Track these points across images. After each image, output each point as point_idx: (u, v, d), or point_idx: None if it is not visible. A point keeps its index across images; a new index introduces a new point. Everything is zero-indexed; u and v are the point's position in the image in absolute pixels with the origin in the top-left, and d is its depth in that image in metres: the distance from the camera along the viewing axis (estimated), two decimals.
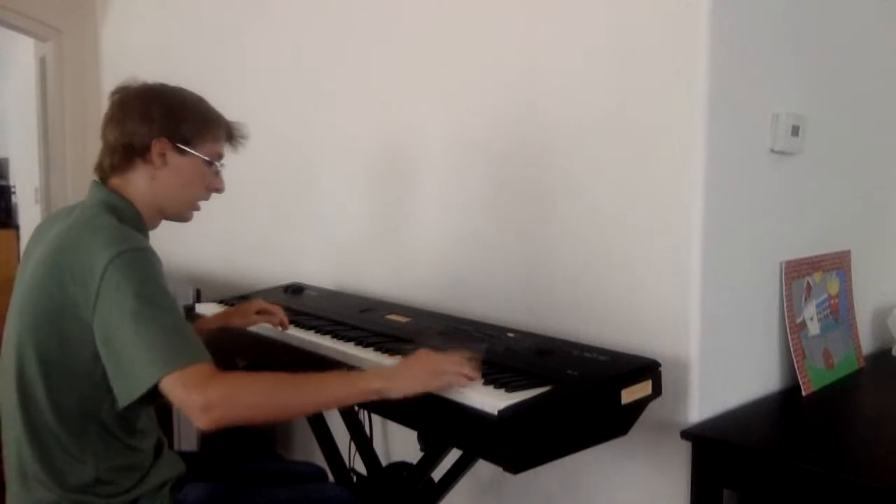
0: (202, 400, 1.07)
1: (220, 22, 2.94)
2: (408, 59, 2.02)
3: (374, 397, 1.19)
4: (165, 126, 1.30)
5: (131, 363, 1.11)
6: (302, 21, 2.44)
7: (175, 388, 1.09)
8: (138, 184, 1.32)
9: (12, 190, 5.89)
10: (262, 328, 1.72)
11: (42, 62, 4.18)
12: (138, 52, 3.61)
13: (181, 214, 1.39)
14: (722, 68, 1.38)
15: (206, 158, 1.36)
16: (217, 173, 1.41)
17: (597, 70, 1.54)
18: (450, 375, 1.22)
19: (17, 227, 5.62)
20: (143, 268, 1.15)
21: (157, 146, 1.30)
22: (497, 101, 1.76)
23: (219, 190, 1.42)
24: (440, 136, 1.93)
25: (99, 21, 4.06)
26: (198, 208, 1.41)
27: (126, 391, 1.12)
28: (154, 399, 1.13)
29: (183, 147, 1.32)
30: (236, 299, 2.10)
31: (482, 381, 1.25)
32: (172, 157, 1.32)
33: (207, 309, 2.03)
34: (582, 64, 1.57)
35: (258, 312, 1.69)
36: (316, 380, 1.19)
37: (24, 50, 4.69)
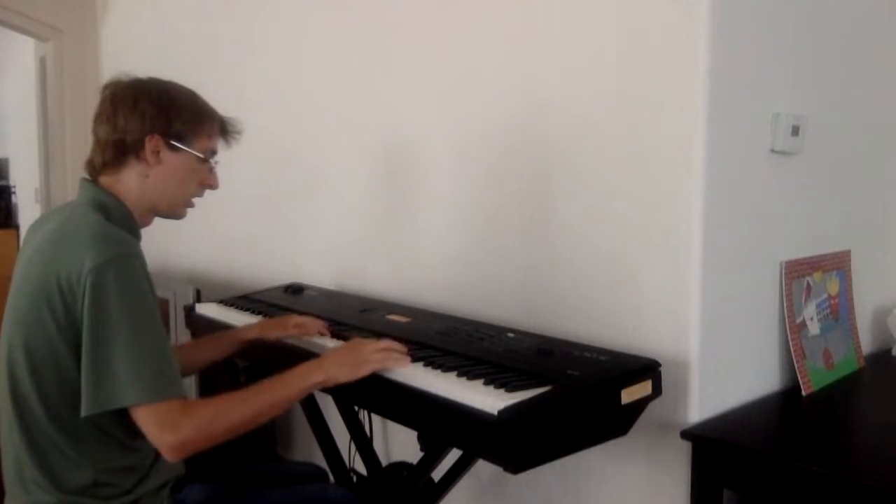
0: (174, 440, 1.12)
1: (220, 21, 2.94)
2: (408, 58, 2.02)
3: (318, 388, 1.31)
4: (158, 122, 1.28)
5: (100, 380, 1.12)
6: (302, 20, 2.44)
7: (146, 422, 1.13)
8: (130, 181, 1.29)
9: (12, 190, 5.89)
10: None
11: (42, 62, 4.18)
12: (138, 51, 3.61)
13: (174, 212, 1.37)
14: (722, 68, 1.38)
15: (200, 155, 1.34)
16: (211, 170, 1.38)
17: (597, 71, 1.54)
18: (374, 364, 1.33)
19: (17, 227, 5.62)
20: (125, 280, 1.14)
21: (151, 143, 1.27)
22: (497, 102, 1.76)
23: (212, 186, 1.39)
24: (440, 135, 1.93)
25: (99, 21, 4.06)
26: (191, 205, 1.39)
27: (88, 404, 1.12)
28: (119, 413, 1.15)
29: (176, 144, 1.30)
30: (236, 299, 2.10)
31: (410, 362, 1.37)
32: (165, 154, 1.29)
33: (207, 309, 2.03)
34: (582, 65, 1.57)
35: (295, 325, 1.65)
36: (268, 388, 1.26)
37: (24, 50, 4.69)
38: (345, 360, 1.33)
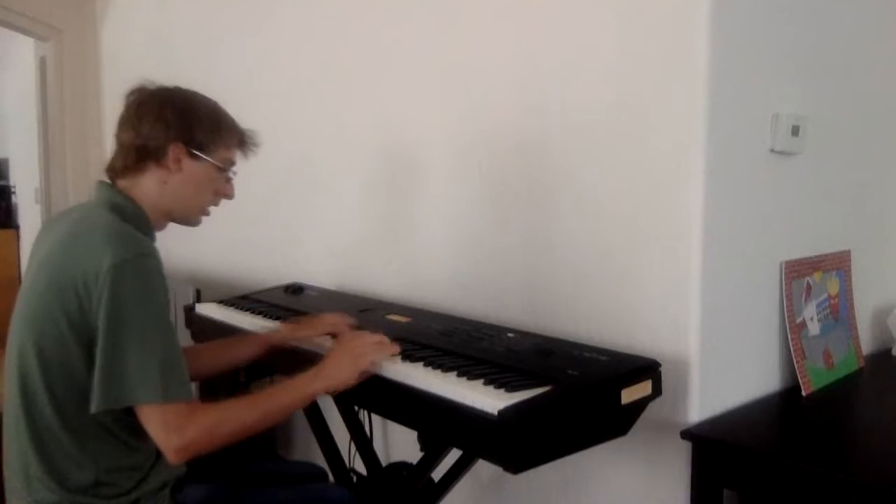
0: (180, 443, 1.14)
1: (221, 22, 2.94)
2: (408, 58, 2.02)
3: (319, 395, 1.35)
4: (181, 131, 1.31)
5: (112, 378, 1.13)
6: (302, 21, 2.44)
7: (152, 423, 1.14)
8: (148, 186, 1.32)
9: (12, 190, 5.88)
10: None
11: (42, 62, 4.17)
12: (138, 52, 3.61)
13: (189, 219, 1.40)
14: (722, 68, 1.38)
15: (219, 165, 1.37)
16: (228, 180, 1.42)
17: (597, 71, 1.54)
18: (368, 361, 1.34)
19: (17, 227, 5.62)
20: (143, 280, 1.16)
21: (174, 151, 1.31)
22: (498, 101, 1.76)
23: (228, 196, 1.43)
24: (440, 136, 1.93)
25: (99, 21, 4.06)
26: (207, 213, 1.42)
27: (99, 401, 1.14)
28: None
29: (197, 153, 1.33)
30: (236, 299, 2.10)
31: (399, 355, 1.39)
32: (186, 162, 1.32)
33: (208, 309, 2.03)
34: (582, 64, 1.57)
35: (330, 325, 1.61)
36: (272, 395, 1.29)
37: (24, 50, 4.69)
38: (342, 365, 1.33)
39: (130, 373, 1.13)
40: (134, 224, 1.26)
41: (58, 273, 1.18)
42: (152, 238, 1.32)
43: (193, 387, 2.49)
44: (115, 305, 1.13)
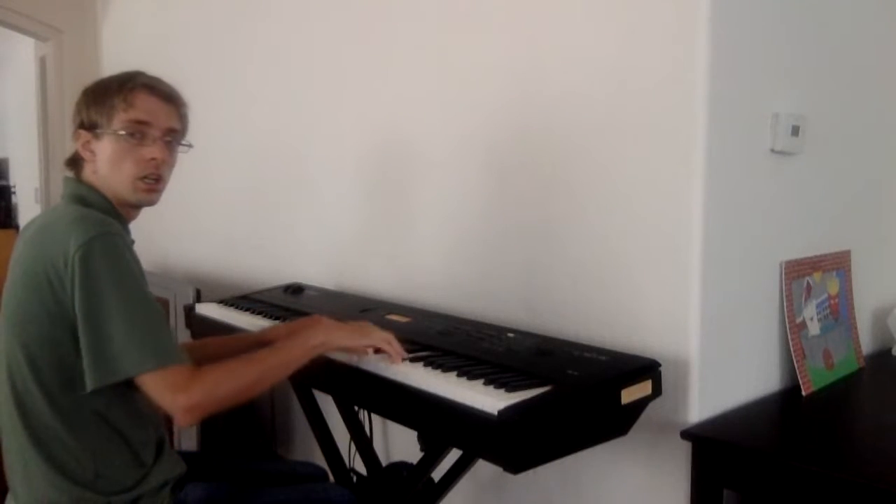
0: (187, 402, 1.14)
1: (220, 22, 2.93)
2: (405, 54, 2.02)
3: (320, 350, 1.34)
4: (77, 117, 1.34)
5: (101, 354, 1.14)
6: (301, 21, 2.44)
7: (156, 387, 1.15)
8: (92, 177, 1.33)
9: (12, 190, 5.90)
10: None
11: (42, 62, 4.18)
12: (138, 51, 3.61)
13: (128, 198, 1.33)
14: (722, 68, 1.38)
15: (121, 132, 1.30)
16: (140, 143, 1.31)
17: (596, 70, 1.54)
18: (374, 339, 1.39)
19: (17, 228, 5.63)
20: (111, 256, 1.17)
21: (79, 139, 1.33)
22: (496, 101, 1.76)
23: (155, 157, 1.32)
24: (439, 134, 1.93)
25: (99, 21, 4.06)
26: (148, 187, 1.33)
27: (97, 377, 1.14)
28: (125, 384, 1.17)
29: (96, 130, 1.31)
30: (236, 299, 2.10)
31: (407, 359, 1.38)
32: (95, 144, 1.32)
33: (208, 309, 2.03)
34: (581, 64, 1.57)
35: None
36: (273, 351, 1.31)
37: (24, 50, 4.70)
38: (345, 328, 1.39)
39: (117, 346, 1.13)
40: (98, 209, 1.27)
41: (30, 269, 1.19)
42: (124, 227, 1.33)
43: None
44: (89, 284, 1.14)
